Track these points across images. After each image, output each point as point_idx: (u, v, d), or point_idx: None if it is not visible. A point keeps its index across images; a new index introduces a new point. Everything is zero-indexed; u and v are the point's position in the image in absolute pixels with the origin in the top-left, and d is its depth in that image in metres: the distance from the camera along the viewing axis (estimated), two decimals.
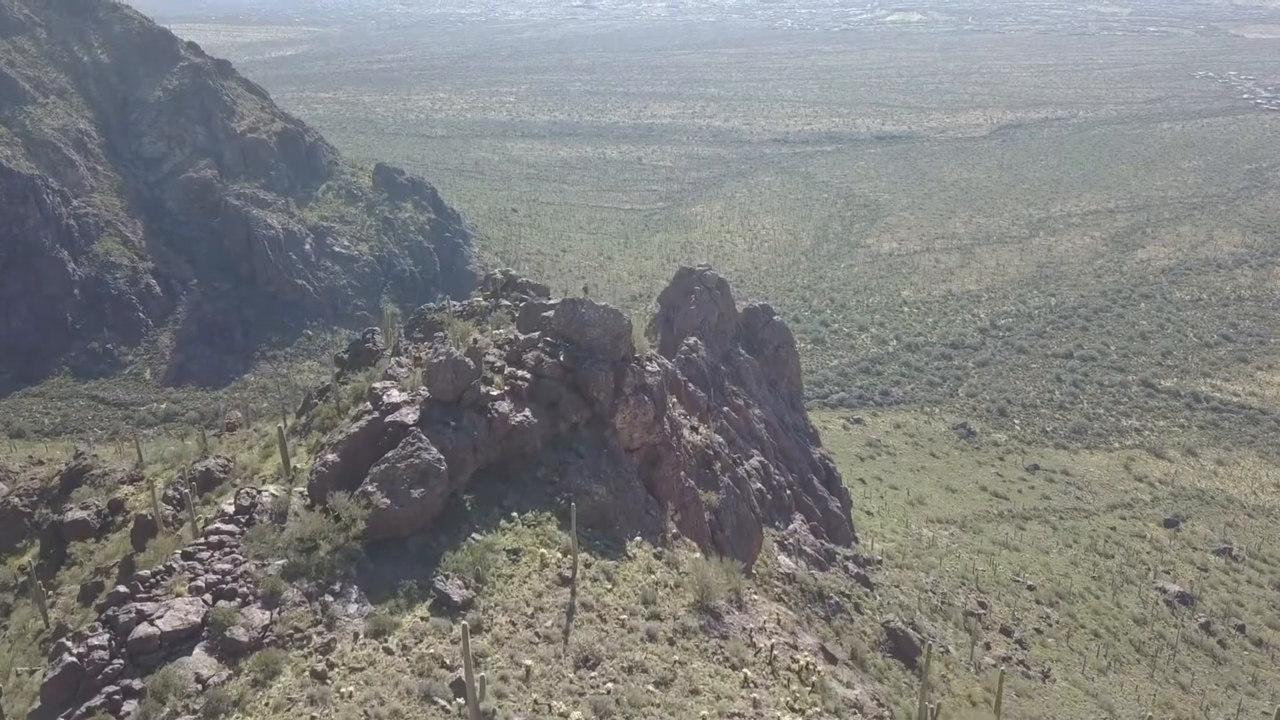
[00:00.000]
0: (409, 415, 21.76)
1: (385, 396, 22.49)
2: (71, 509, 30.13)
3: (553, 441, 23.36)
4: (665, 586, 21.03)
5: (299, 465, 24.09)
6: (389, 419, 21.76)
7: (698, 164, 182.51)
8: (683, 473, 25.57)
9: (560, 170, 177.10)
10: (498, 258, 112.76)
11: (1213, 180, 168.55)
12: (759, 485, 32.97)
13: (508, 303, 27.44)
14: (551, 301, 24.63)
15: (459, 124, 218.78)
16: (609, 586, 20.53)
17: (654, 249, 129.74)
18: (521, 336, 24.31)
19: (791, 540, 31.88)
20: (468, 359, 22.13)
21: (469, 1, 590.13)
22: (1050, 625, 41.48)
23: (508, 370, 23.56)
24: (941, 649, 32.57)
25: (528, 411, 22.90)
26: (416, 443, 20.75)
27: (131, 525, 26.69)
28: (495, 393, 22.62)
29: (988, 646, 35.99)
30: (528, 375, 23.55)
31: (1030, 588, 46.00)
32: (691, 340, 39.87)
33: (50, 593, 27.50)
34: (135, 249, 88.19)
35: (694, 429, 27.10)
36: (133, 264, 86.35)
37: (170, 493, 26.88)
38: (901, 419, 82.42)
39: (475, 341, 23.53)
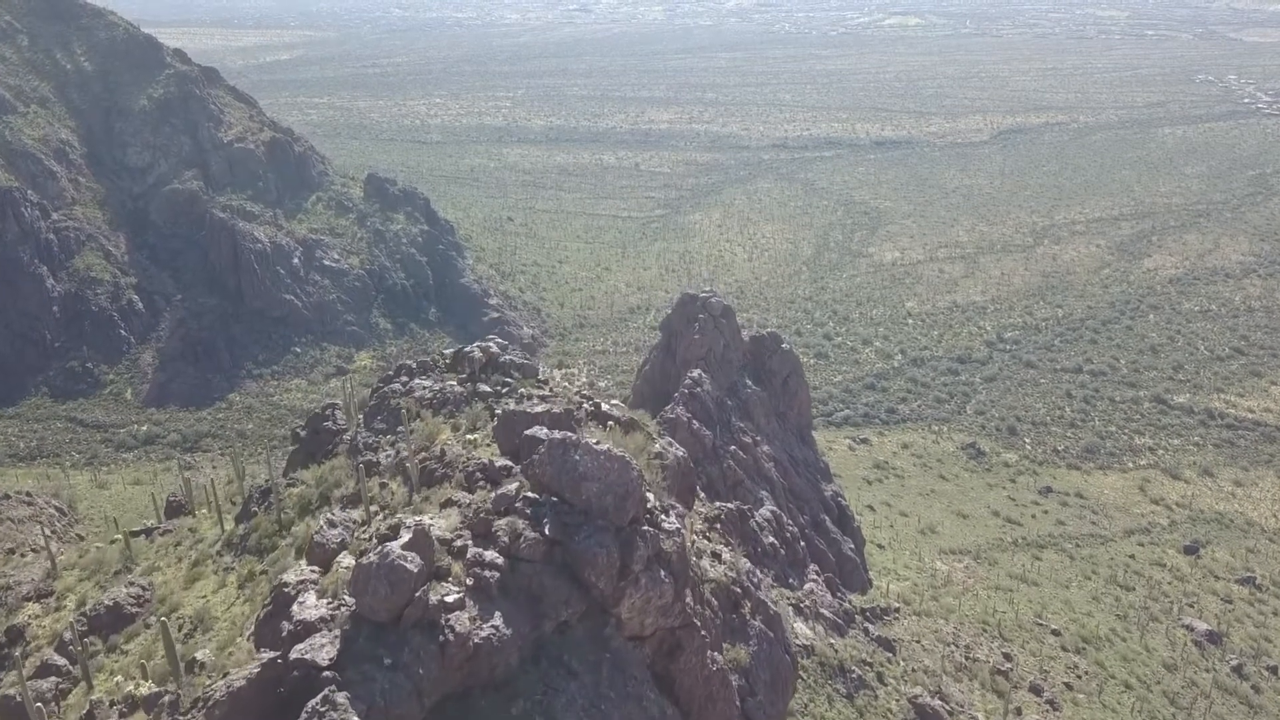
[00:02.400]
0: (323, 650, 15.41)
1: (296, 607, 16.13)
2: None
3: (534, 653, 17.18)
4: None
5: (210, 650, 18.93)
6: (294, 655, 15.43)
7: (696, 170, 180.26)
8: (711, 652, 19.69)
9: (557, 177, 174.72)
10: (492, 270, 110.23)
11: (1217, 186, 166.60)
12: (771, 539, 30.48)
13: (488, 388, 23.14)
14: (538, 408, 19.45)
15: (454, 129, 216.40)
16: None
17: (652, 259, 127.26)
18: (497, 463, 19.23)
19: (808, 603, 29.38)
20: (409, 559, 15.81)
21: (465, 5, 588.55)
22: (1080, 678, 39.01)
23: (471, 552, 17.24)
24: None
25: (497, 619, 16.60)
26: (329, 711, 14.34)
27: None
28: (451, 596, 16.45)
29: (1019, 712, 33.54)
30: (499, 560, 17.30)
31: (1055, 632, 43.50)
32: (695, 373, 37.38)
33: None
34: (117, 263, 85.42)
35: (716, 557, 21.57)
36: (114, 279, 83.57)
37: (68, 636, 22.68)
38: (909, 438, 79.88)
39: (434, 472, 17.54)
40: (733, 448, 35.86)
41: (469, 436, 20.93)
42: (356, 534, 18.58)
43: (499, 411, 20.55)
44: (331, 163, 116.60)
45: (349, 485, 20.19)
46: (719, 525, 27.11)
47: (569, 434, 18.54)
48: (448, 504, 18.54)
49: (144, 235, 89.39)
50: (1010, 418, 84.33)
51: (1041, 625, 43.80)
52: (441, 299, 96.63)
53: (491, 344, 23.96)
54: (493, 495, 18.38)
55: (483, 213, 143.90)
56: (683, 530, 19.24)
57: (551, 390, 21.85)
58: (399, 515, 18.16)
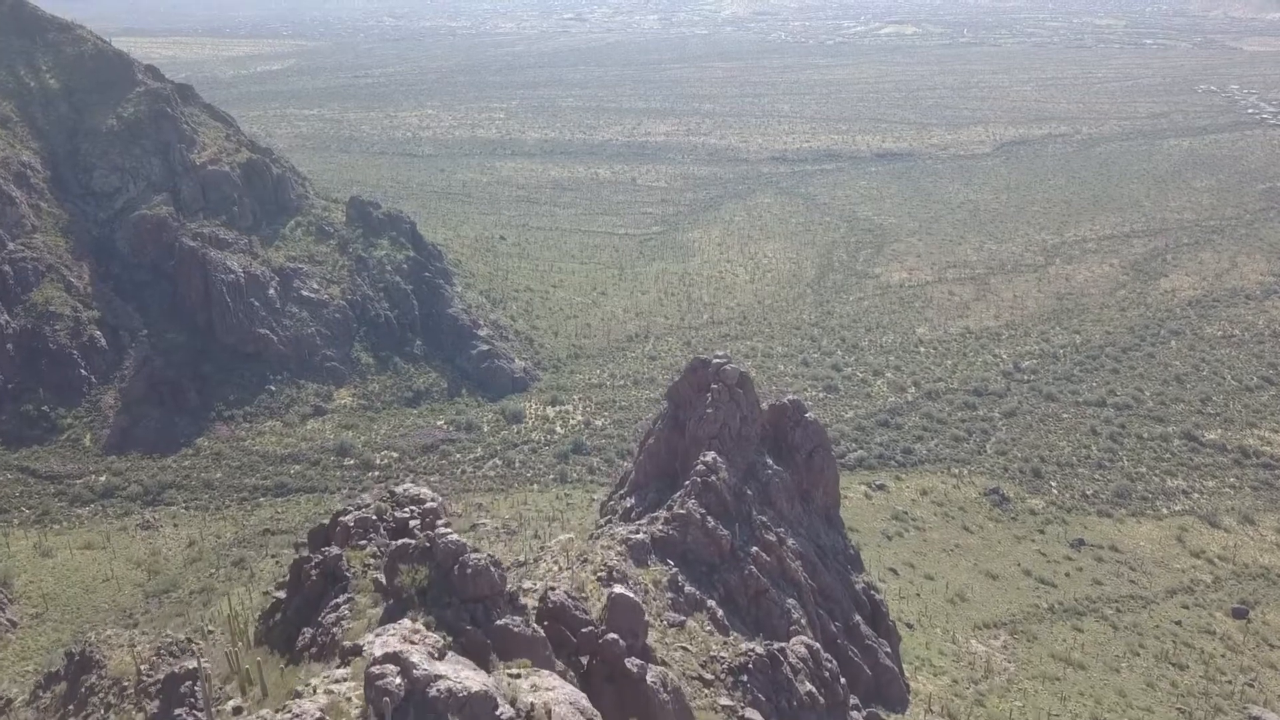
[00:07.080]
0: None
1: None
2: None
3: None
4: None
5: None
6: None
7: (694, 184, 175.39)
8: None
9: (551, 192, 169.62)
10: (482, 297, 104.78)
11: (1228, 200, 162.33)
12: (809, 687, 25.25)
13: (429, 647, 15.03)
14: None
15: (447, 142, 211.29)
16: None
17: (650, 280, 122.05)
18: None
19: None
20: None
21: (460, 14, 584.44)
22: None
23: None
24: None
25: None
26: None
27: None
28: None
29: None
30: None
31: None
32: (710, 458, 32.15)
33: None
34: (79, 296, 79.77)
35: None
36: (76, 313, 77.91)
37: None
38: (928, 483, 74.65)
39: None
40: (754, 549, 30.66)
41: None
42: None
43: None
44: (313, 183, 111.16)
45: None
46: (745, 679, 21.68)
47: None
48: None
49: (109, 265, 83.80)
50: (1034, 458, 79.16)
51: None
52: (428, 330, 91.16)
53: (425, 568, 16.55)
54: None
55: (474, 231, 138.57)
56: None
57: None
58: None
